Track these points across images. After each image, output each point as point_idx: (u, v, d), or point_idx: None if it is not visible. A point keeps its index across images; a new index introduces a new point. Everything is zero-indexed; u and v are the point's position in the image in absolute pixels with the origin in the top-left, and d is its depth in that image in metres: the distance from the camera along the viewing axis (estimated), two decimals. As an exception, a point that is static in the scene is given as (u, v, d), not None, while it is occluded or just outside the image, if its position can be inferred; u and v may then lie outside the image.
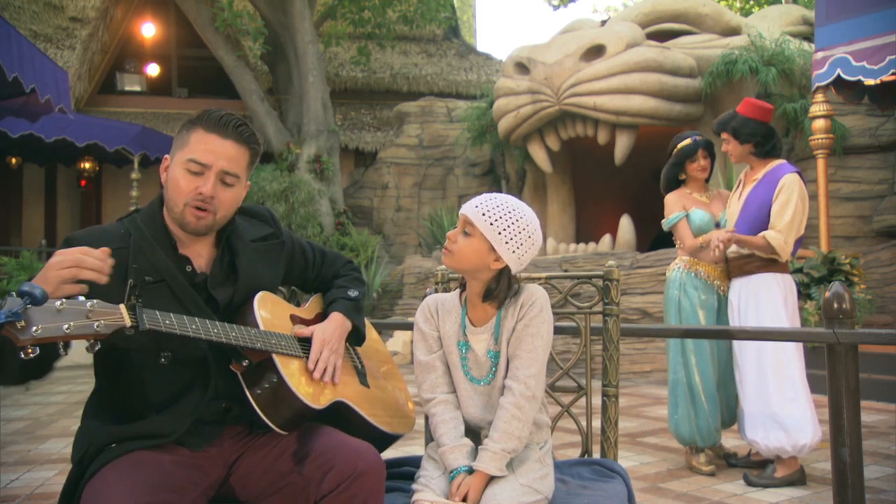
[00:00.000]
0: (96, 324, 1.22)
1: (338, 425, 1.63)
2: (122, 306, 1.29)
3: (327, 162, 11.32)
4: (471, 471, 1.58)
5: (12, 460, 4.00)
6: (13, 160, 11.79)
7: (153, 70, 13.92)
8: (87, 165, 11.96)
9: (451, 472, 1.60)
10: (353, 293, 1.83)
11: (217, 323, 1.47)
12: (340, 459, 1.49)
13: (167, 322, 1.37)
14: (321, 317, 1.80)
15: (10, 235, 12.58)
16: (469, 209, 1.61)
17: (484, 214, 1.58)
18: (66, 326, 1.18)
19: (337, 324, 1.73)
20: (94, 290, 1.36)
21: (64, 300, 1.20)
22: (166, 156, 1.60)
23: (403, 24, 13.54)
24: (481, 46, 51.88)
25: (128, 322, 1.27)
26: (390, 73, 14.48)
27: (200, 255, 1.63)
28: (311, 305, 1.83)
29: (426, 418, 1.83)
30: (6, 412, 5.43)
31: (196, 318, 1.44)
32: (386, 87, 14.37)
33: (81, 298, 1.24)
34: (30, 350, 1.15)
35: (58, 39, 13.07)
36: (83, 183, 12.89)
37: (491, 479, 1.58)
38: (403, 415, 1.85)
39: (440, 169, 12.18)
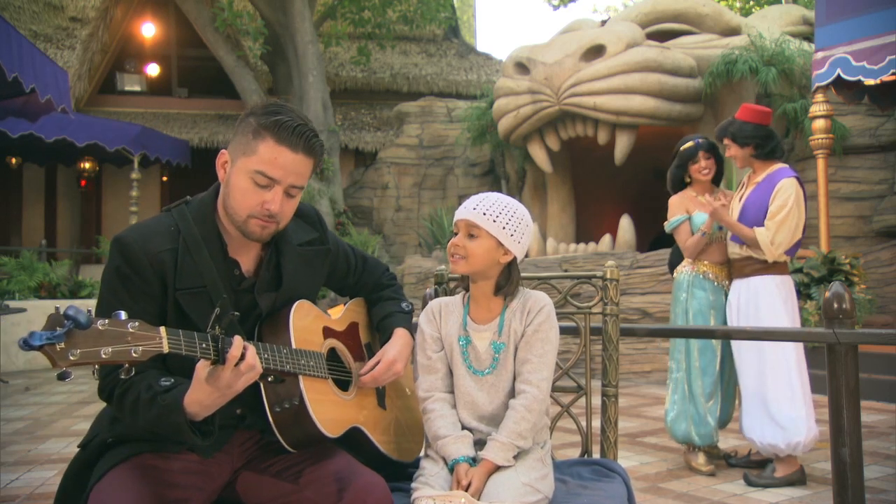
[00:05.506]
0: (133, 349, 1.18)
1: (348, 447, 1.63)
2: (162, 329, 1.24)
3: (327, 162, 11.32)
4: (473, 462, 1.61)
5: (12, 460, 4.00)
6: (13, 160, 11.78)
7: (153, 70, 13.91)
8: (87, 165, 11.95)
9: (453, 460, 1.62)
10: (406, 306, 1.84)
11: (255, 344, 1.42)
12: (350, 491, 1.47)
13: (206, 345, 1.30)
14: (355, 327, 1.80)
15: (10, 235, 12.57)
16: (469, 213, 1.68)
17: (485, 214, 1.66)
18: (103, 352, 1.14)
19: (404, 341, 1.74)
20: (139, 293, 1.42)
21: (107, 320, 1.17)
22: (224, 150, 1.53)
23: (403, 24, 13.54)
24: (481, 46, 51.92)
25: (166, 349, 1.23)
26: (390, 73, 14.46)
27: (249, 257, 1.59)
28: (346, 314, 1.81)
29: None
30: (6, 412, 5.43)
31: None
32: (386, 87, 14.36)
33: (123, 316, 1.19)
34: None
35: (58, 39, 13.07)
36: (83, 183, 12.88)
37: (492, 473, 1.59)
38: (412, 441, 1.85)
39: (440, 169, 12.17)
